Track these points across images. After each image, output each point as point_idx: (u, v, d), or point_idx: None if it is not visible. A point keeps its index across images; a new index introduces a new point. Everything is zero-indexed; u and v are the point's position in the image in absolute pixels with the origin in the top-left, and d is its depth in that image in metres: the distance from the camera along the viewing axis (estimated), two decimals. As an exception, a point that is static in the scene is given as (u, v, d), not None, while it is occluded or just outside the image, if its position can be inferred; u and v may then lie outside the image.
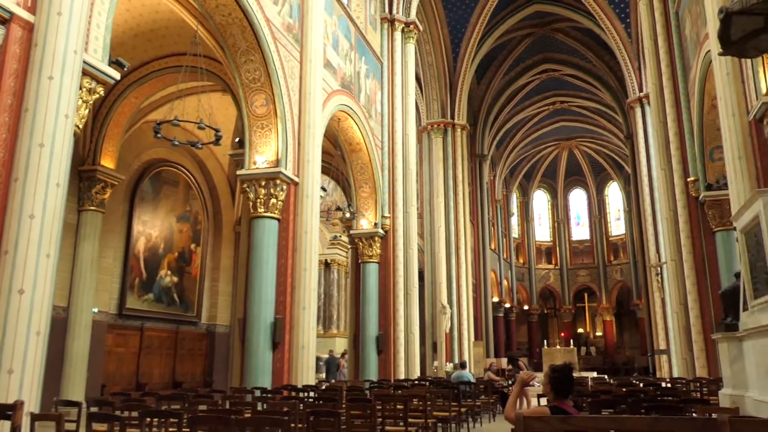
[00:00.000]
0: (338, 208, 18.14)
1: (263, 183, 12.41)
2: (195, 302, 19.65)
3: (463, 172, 28.03)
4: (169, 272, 18.64)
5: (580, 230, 45.45)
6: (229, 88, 14.31)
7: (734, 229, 8.77)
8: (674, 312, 15.46)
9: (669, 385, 12.67)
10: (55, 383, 13.70)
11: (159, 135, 10.84)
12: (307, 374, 12.03)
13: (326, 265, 27.31)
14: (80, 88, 7.70)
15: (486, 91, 32.65)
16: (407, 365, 17.54)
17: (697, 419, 3.48)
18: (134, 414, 6.41)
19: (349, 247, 18.93)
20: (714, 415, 4.67)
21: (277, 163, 12.47)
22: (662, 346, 22.83)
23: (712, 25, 10.97)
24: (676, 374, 17.58)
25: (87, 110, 7.92)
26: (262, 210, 12.29)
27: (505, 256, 39.37)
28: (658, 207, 20.81)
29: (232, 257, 20.61)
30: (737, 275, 8.64)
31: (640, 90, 25.41)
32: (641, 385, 12.04)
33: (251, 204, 12.38)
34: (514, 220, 43.58)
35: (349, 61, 16.75)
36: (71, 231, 14.93)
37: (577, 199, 45.88)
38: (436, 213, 26.45)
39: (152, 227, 18.21)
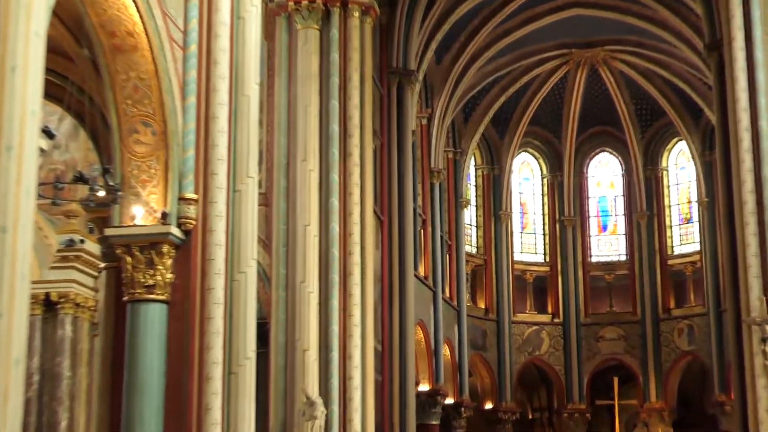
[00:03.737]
0: (80, 178, 14.18)
1: None
2: None
3: (362, 107, 22.10)
4: None
5: (608, 241, 36.22)
6: None
7: None
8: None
9: None
10: None
11: None
12: None
13: (48, 306, 21.70)
14: None
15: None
16: None
17: None
18: None
19: (102, 266, 17.94)
20: None
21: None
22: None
23: None
24: None
25: None
26: None
27: (447, 293, 30.96)
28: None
29: None
30: None
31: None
32: None
33: None
34: (470, 216, 34.65)
35: None
36: None
37: (605, 175, 36.60)
38: (300, 195, 20.93)
39: None
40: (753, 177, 19.41)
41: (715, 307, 30.42)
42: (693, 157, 33.51)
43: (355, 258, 21.10)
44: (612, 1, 30.26)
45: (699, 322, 32.27)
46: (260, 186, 18.63)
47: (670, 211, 34.90)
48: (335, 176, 21.02)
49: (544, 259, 35.30)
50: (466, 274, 32.80)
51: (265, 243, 21.14)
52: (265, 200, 21.26)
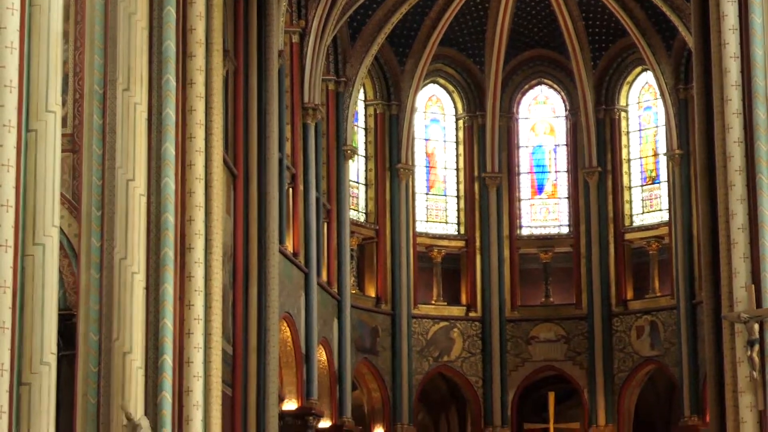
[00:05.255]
0: None
1: None
2: None
3: (209, 16, 19.84)
4: None
5: (545, 207, 32.30)
6: None
7: None
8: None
9: None
10: None
11: None
12: None
13: None
14: None
15: None
16: None
17: None
18: None
19: None
20: None
21: None
22: None
23: None
24: None
25: None
26: None
27: (325, 276, 27.92)
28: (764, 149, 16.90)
29: None
30: None
31: None
32: None
33: None
34: (357, 170, 31.02)
35: None
36: None
37: (542, 117, 32.86)
38: (122, 138, 18.23)
39: None
40: (741, 122, 16.87)
41: (688, 298, 27.28)
42: (662, 94, 29.23)
43: (198, 226, 18.66)
44: None
45: (665, 319, 28.57)
46: (65, 124, 17.30)
47: (629, 168, 30.69)
48: (171, 112, 18.42)
49: (458, 232, 31.16)
50: (351, 250, 29.05)
51: (71, 204, 18.58)
52: (73, 144, 18.82)
